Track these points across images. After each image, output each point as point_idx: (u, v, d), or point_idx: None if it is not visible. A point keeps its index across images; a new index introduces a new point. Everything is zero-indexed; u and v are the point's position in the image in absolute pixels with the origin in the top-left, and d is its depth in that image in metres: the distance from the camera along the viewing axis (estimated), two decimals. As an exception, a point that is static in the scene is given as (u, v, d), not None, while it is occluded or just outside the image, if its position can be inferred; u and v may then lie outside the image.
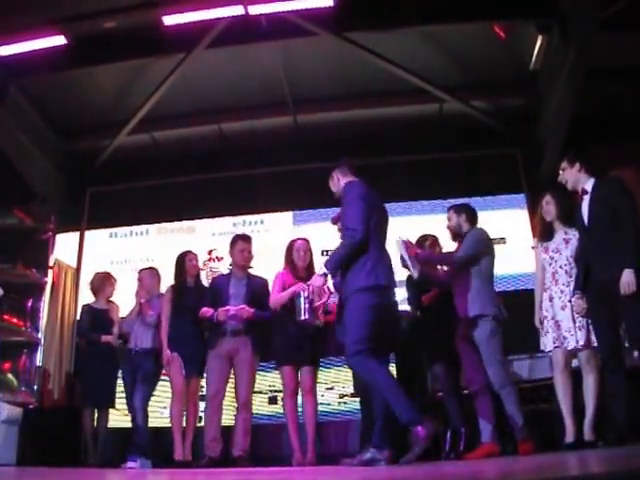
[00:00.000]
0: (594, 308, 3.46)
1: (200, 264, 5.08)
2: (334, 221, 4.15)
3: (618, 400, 3.32)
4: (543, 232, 3.91)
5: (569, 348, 3.63)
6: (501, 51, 5.99)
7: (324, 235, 5.24)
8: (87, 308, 5.35)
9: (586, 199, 3.54)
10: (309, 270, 4.31)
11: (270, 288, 4.49)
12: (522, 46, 5.98)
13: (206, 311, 4.36)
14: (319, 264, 4.27)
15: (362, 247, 3.18)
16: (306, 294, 3.43)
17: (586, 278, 3.49)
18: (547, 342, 3.73)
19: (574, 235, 3.73)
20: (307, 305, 3.45)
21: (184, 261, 4.75)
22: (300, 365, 4.21)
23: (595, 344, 3.54)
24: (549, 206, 3.83)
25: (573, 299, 3.57)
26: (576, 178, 3.61)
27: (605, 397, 3.55)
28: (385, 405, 3.09)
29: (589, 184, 3.56)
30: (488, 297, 3.88)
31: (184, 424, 4.53)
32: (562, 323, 3.65)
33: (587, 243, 3.53)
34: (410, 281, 4.45)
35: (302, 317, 3.48)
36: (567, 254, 3.73)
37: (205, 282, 5.25)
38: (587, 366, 3.62)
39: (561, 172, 3.69)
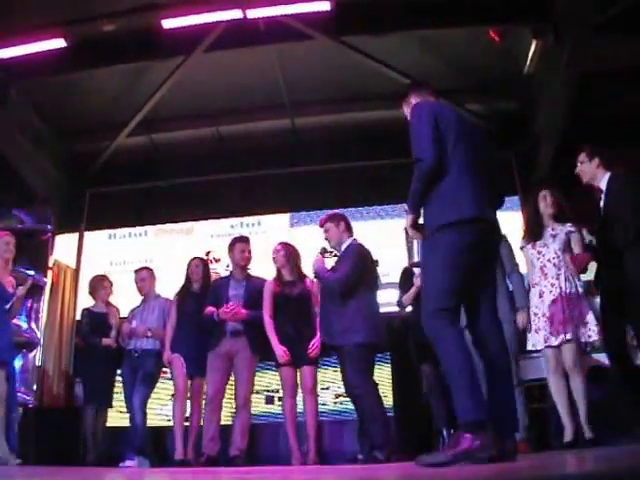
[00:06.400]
0: None
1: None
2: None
3: None
4: (531, 232, 3.89)
5: (557, 343, 3.56)
6: (496, 54, 6.04)
7: (321, 237, 5.25)
8: (86, 312, 5.38)
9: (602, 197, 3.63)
10: (295, 274, 4.36)
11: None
12: (516, 49, 6.03)
13: (209, 311, 4.40)
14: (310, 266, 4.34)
15: (439, 175, 2.51)
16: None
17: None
18: (538, 340, 3.66)
19: (561, 230, 3.74)
20: None
21: (188, 267, 4.82)
22: (299, 365, 4.23)
23: (582, 339, 3.54)
24: (547, 201, 3.80)
25: None
26: (593, 174, 3.67)
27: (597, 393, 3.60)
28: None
29: (603, 182, 3.63)
30: None
31: (186, 423, 4.58)
32: (554, 317, 3.57)
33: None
34: (402, 281, 4.48)
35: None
36: (555, 247, 3.71)
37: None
38: (572, 362, 3.55)
39: (579, 164, 3.72)
